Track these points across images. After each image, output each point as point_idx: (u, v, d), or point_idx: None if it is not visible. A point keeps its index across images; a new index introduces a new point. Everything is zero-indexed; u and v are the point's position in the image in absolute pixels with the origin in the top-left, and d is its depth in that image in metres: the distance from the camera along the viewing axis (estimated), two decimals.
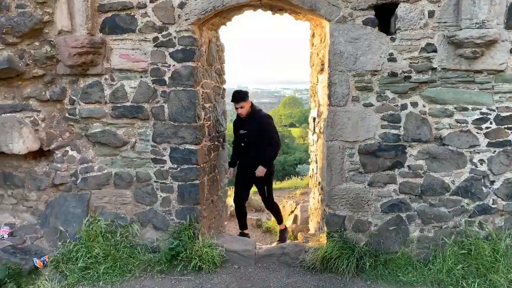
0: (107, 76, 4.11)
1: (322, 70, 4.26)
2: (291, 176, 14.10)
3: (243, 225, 5.17)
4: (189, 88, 4.05)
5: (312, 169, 4.88)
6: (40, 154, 4.34)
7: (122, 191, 4.31)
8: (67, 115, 4.22)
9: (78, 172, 4.29)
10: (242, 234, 5.07)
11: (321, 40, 4.23)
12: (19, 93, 4.10)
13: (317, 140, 4.44)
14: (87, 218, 4.19)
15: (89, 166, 4.29)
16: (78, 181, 4.30)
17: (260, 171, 4.67)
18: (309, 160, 5.14)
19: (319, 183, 4.44)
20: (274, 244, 4.88)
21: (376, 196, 3.99)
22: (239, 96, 4.65)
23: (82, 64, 3.96)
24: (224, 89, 5.12)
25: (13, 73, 3.92)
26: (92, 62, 3.99)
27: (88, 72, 4.08)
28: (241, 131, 4.78)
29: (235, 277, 4.00)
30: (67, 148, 4.29)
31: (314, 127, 4.64)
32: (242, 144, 4.80)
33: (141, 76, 4.09)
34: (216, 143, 4.82)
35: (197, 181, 4.20)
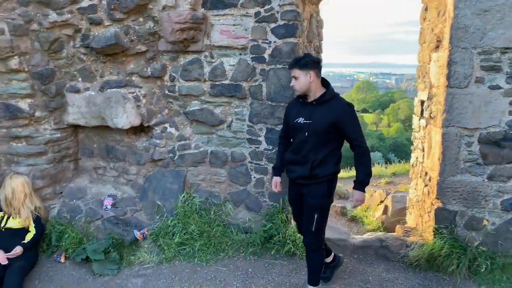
0: (206, 53, 4.05)
1: (437, 47, 3.81)
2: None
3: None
4: None
5: (416, 158, 4.47)
6: (140, 129, 4.45)
7: (217, 169, 4.28)
8: (166, 92, 4.25)
9: (176, 148, 4.33)
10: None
11: (438, 14, 3.77)
12: (123, 69, 4.20)
13: (426, 125, 4.02)
14: (183, 195, 4.23)
15: (186, 144, 4.31)
16: (175, 158, 4.35)
17: (360, 199, 2.94)
18: (412, 148, 4.71)
19: (425, 173, 4.04)
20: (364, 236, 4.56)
21: (496, 192, 3.53)
22: (294, 60, 2.95)
23: (183, 41, 3.93)
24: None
25: (119, 49, 4.00)
26: (193, 39, 3.94)
27: (189, 49, 4.05)
28: (300, 120, 2.91)
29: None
30: (166, 125, 4.34)
31: (422, 111, 4.21)
32: (298, 141, 2.96)
33: (240, 54, 3.97)
34: None
35: None
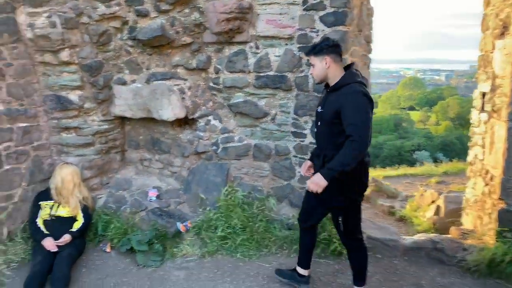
0: (252, 44, 3.95)
1: (502, 34, 3.48)
2: (405, 163, 12.88)
3: (302, 261, 3.21)
4: None
5: (475, 155, 4.14)
6: (185, 122, 4.44)
7: (260, 163, 4.19)
8: (211, 84, 4.19)
9: (219, 141, 4.28)
10: (299, 276, 3.22)
11: None
12: (168, 61, 4.19)
13: (488, 119, 3.70)
14: (225, 188, 4.17)
15: (230, 136, 4.25)
16: (218, 151, 4.30)
17: (314, 182, 2.55)
18: (469, 144, 4.37)
19: (486, 171, 3.72)
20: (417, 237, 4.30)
21: None
22: (310, 47, 2.78)
23: (228, 31, 3.85)
24: (370, 59, 4.61)
25: (164, 41, 3.99)
26: (239, 29, 3.85)
27: (234, 40, 3.96)
28: (319, 108, 2.79)
29: (378, 268, 3.61)
30: (210, 117, 4.30)
31: (483, 104, 3.88)
32: (316, 132, 2.89)
33: (286, 44, 3.83)
34: None
35: None
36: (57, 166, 3.96)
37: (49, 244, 3.52)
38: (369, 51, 4.56)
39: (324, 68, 2.65)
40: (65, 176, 3.83)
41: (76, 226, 3.81)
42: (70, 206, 3.85)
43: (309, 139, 3.92)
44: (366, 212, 5.49)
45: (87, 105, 4.13)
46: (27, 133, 3.90)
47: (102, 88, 4.16)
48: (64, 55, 3.85)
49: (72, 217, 3.87)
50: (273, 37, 3.86)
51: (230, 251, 3.81)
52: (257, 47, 3.95)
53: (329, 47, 2.62)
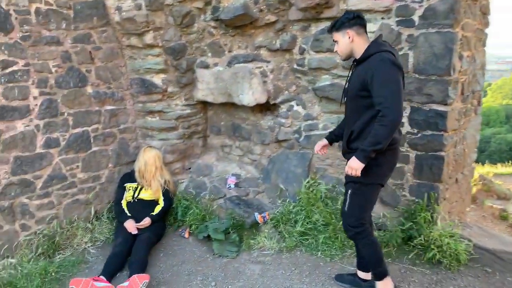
0: None
1: None
2: None
3: (361, 264, 2.86)
4: (445, 29, 3.08)
5: None
6: (266, 107, 4.19)
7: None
8: (295, 66, 3.87)
9: (302, 129, 3.95)
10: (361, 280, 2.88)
11: None
12: (251, 42, 3.96)
13: None
14: (307, 179, 3.85)
15: (314, 124, 3.89)
16: (300, 139, 3.97)
17: (350, 166, 2.30)
18: None
19: None
20: None
21: None
22: (331, 24, 2.51)
23: (316, 6, 3.48)
24: (486, 34, 3.86)
25: (247, 20, 3.77)
26: (327, 3, 3.46)
27: (322, 15, 3.58)
28: (346, 84, 2.61)
29: (486, 284, 3.00)
30: (293, 103, 3.99)
31: None
32: (344, 110, 2.70)
33: (382, 18, 3.33)
34: (469, 105, 3.70)
35: (442, 153, 3.28)
36: (141, 149, 4.01)
37: (130, 226, 3.56)
38: (486, 24, 3.82)
39: (348, 43, 2.44)
40: (148, 159, 3.85)
41: (157, 209, 3.82)
42: (152, 189, 3.87)
43: (406, 128, 3.40)
44: (472, 214, 4.74)
45: (170, 89, 4.10)
46: (114, 116, 3.99)
47: (185, 72, 4.09)
48: (149, 37, 3.83)
49: (154, 200, 3.90)
50: (366, 11, 3.38)
51: (310, 248, 3.49)
52: None
53: (350, 20, 2.41)
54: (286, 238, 3.57)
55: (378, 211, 3.63)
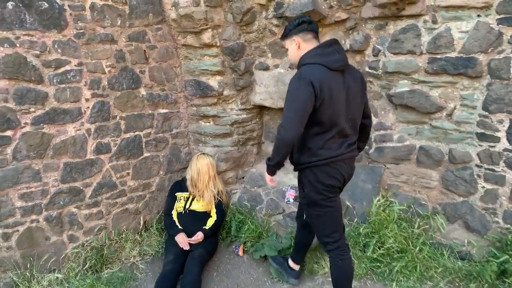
0: (427, 17, 3.06)
1: None
2: None
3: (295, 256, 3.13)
4: None
5: None
6: None
7: (426, 171, 3.30)
8: (366, 69, 3.44)
9: (373, 139, 3.52)
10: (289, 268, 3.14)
11: None
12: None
13: None
14: (377, 198, 3.40)
15: (387, 134, 3.45)
16: (371, 151, 3.54)
17: (265, 177, 2.60)
18: None
19: None
20: None
21: None
22: (284, 30, 2.43)
23: (398, 2, 3.03)
24: None
25: (316, 17, 3.38)
26: None
27: (403, 12, 3.13)
28: None
29: None
30: None
31: None
32: None
33: (478, 15, 2.85)
34: None
35: None
36: (193, 156, 3.72)
37: (182, 240, 3.27)
38: None
39: (295, 50, 2.35)
40: (201, 167, 3.55)
41: (210, 223, 3.52)
42: (204, 200, 3.57)
43: (504, 144, 2.91)
44: None
45: (226, 92, 3.78)
46: (167, 120, 3.72)
47: (243, 74, 3.75)
48: (206, 36, 3.53)
49: (206, 212, 3.60)
50: (458, 7, 2.91)
51: (383, 278, 3.07)
52: (434, 21, 3.04)
53: (296, 26, 2.32)
54: (355, 264, 3.16)
55: (462, 237, 3.16)
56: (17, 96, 2.65)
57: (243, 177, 4.11)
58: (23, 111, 2.70)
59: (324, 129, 2.25)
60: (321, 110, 2.16)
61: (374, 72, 3.42)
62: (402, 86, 3.30)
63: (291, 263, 3.14)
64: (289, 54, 2.43)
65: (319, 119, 2.20)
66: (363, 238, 3.26)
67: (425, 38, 3.09)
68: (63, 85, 2.89)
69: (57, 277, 2.90)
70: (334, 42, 2.33)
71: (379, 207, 3.38)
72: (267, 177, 2.54)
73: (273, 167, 2.40)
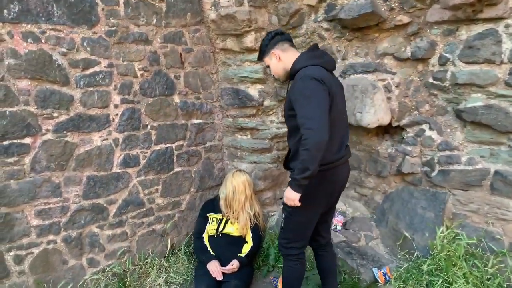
0: (510, 21, 2.63)
1: None
2: None
3: None
4: None
5: None
6: (384, 130, 3.35)
7: (503, 200, 2.83)
8: (430, 80, 3.02)
9: (436, 161, 3.07)
10: None
11: None
12: (373, 48, 3.19)
13: None
14: (441, 229, 2.94)
15: (454, 155, 3.00)
16: (433, 174, 3.09)
17: (288, 197, 2.12)
18: None
19: None
20: None
21: None
22: (259, 50, 2.45)
23: (474, 3, 2.62)
24: None
25: (374, 20, 3.00)
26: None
27: (479, 16, 2.71)
28: None
29: None
30: (423, 126, 3.12)
31: None
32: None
33: None
34: None
35: None
36: (228, 173, 3.33)
37: (215, 270, 2.88)
38: None
39: (276, 63, 2.35)
40: (238, 185, 3.17)
41: (245, 249, 3.12)
42: (239, 223, 3.18)
43: None
44: None
45: (267, 102, 3.41)
46: (201, 132, 3.36)
47: (286, 83, 3.37)
48: (249, 39, 3.19)
49: (240, 236, 3.20)
50: None
51: None
52: None
53: (271, 40, 2.34)
54: None
55: None
56: (39, 99, 2.33)
57: (281, 198, 3.69)
58: (45, 115, 2.37)
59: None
60: (331, 109, 2.09)
61: (440, 83, 2.99)
62: (475, 100, 2.86)
63: None
64: (272, 69, 2.41)
65: None
66: (426, 276, 2.79)
67: (507, 45, 2.66)
68: (90, 88, 2.56)
69: None
70: (317, 46, 2.37)
71: (443, 240, 2.92)
72: (293, 196, 2.09)
73: (304, 180, 2.00)
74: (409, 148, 3.21)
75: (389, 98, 3.18)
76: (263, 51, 2.40)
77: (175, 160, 3.17)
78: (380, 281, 2.83)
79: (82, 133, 2.56)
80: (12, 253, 2.34)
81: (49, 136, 2.40)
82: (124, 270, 2.88)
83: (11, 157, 2.26)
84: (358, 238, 3.22)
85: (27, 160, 2.34)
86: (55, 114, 2.41)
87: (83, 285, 2.70)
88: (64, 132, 2.47)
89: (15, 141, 2.26)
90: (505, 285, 2.70)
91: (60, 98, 2.42)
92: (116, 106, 2.72)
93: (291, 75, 2.26)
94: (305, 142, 1.94)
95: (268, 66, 2.46)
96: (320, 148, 1.94)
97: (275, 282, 3.10)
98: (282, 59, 2.32)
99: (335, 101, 2.15)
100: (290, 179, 2.18)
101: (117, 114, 2.74)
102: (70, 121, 2.49)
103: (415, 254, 2.98)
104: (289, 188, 2.11)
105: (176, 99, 3.12)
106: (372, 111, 3.07)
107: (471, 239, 2.89)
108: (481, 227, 2.94)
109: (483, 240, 2.89)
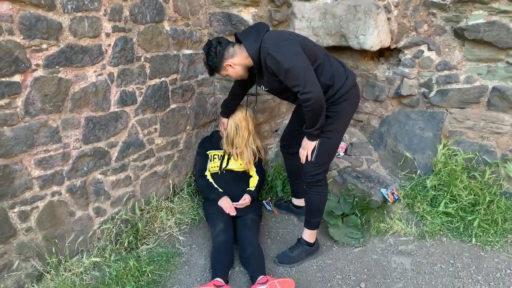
0: None
1: None
2: None
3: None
4: None
5: None
6: (379, 53, 3.33)
7: (498, 114, 3.02)
8: None
9: (434, 81, 3.15)
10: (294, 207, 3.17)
11: None
12: None
13: None
14: (440, 146, 3.10)
15: (452, 75, 3.09)
16: (431, 94, 3.18)
17: (305, 147, 2.44)
18: None
19: None
20: None
21: None
22: (208, 71, 2.49)
23: None
24: None
25: None
26: None
27: None
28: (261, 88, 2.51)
29: None
30: (422, 47, 3.15)
31: None
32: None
33: None
34: None
35: None
36: None
37: (227, 205, 2.82)
38: None
39: (235, 70, 2.37)
40: (240, 121, 3.03)
41: (253, 184, 3.08)
42: (243, 159, 3.09)
43: None
44: None
45: None
46: (192, 64, 3.10)
47: (281, 5, 3.17)
48: None
49: (244, 171, 3.13)
50: None
51: (458, 234, 2.84)
52: None
53: (217, 55, 2.31)
54: (426, 221, 2.88)
55: None
56: (24, 27, 1.94)
57: (276, 130, 3.63)
58: (33, 47, 2.00)
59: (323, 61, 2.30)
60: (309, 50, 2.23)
61: (440, 1, 2.98)
62: (477, 17, 2.90)
63: (294, 200, 3.14)
64: (233, 76, 2.43)
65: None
66: (431, 191, 2.97)
67: None
68: (79, 14, 2.18)
69: (93, 262, 2.36)
70: (249, 29, 2.38)
71: (443, 156, 3.09)
72: (312, 145, 2.37)
73: (317, 130, 2.28)
74: (406, 70, 3.24)
75: (388, 19, 3.12)
76: (214, 68, 2.37)
77: (170, 96, 2.92)
78: (390, 200, 2.97)
79: (75, 67, 2.22)
80: (16, 210, 2.07)
81: (40, 72, 2.04)
82: (131, 216, 2.71)
83: (1, 99, 1.90)
84: (360, 162, 3.30)
85: (20, 102, 1.99)
86: (44, 46, 2.04)
87: (93, 235, 2.52)
88: (56, 67, 2.11)
89: (4, 79, 1.89)
90: (498, 193, 2.97)
91: (47, 25, 2.03)
92: (107, 35, 2.36)
93: (256, 63, 2.24)
94: (306, 105, 2.12)
95: (226, 75, 2.44)
96: (321, 104, 2.13)
97: (268, 205, 3.18)
98: (237, 62, 2.32)
99: (304, 41, 2.25)
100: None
101: (109, 45, 2.39)
102: (61, 53, 2.12)
103: (418, 172, 3.13)
104: (305, 139, 2.38)
105: (166, 26, 2.79)
106: (376, 33, 3.00)
107: (467, 154, 3.09)
108: (476, 142, 3.14)
109: (476, 154, 3.10)
